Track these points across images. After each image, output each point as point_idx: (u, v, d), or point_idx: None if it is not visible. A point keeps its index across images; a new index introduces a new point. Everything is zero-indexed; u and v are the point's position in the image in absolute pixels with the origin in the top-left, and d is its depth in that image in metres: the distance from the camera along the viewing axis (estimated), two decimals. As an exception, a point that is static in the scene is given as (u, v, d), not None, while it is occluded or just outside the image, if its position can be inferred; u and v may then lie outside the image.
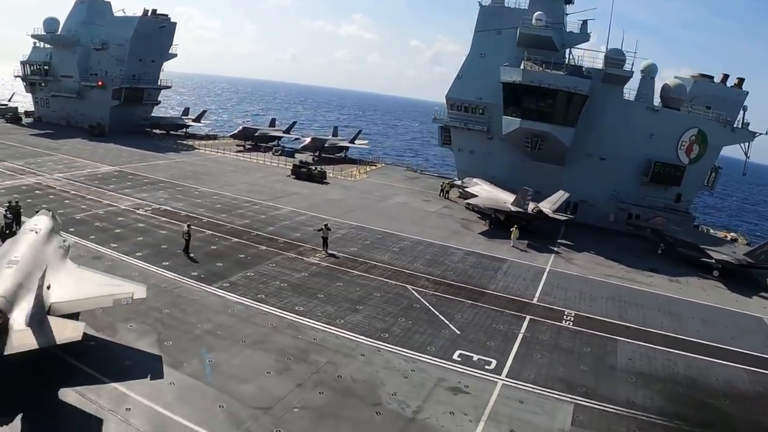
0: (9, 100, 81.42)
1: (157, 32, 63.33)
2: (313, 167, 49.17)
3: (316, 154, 59.77)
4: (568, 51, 41.22)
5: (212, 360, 15.96)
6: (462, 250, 30.50)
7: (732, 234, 42.76)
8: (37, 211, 19.57)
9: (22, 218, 24.08)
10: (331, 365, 16.44)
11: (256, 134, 64.01)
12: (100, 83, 62.55)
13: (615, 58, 38.06)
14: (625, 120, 38.30)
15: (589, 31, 40.40)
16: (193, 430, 12.80)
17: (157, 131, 68.70)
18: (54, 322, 13.55)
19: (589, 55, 41.66)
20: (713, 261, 31.04)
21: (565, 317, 22.81)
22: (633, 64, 38.43)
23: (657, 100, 40.25)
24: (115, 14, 65.90)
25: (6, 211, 25.27)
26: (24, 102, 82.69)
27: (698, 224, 43.62)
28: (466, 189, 41.07)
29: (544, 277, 27.75)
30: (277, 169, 52.46)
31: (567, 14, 41.75)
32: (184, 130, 69.20)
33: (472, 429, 14.25)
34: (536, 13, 38.97)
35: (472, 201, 37.19)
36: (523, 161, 41.21)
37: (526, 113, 37.71)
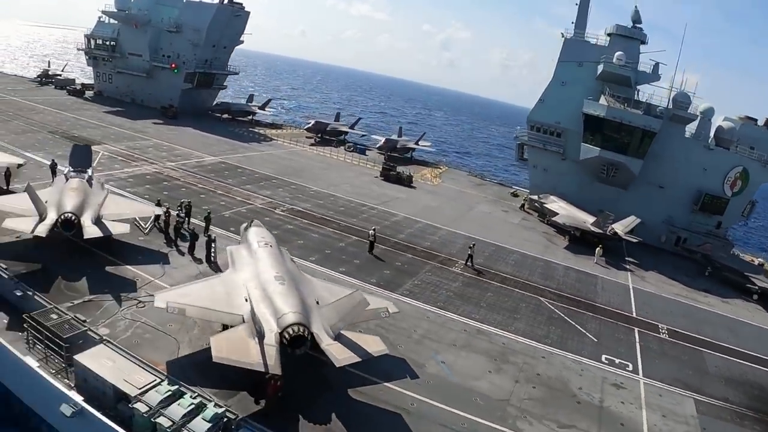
0: (62, 70, 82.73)
1: (232, 19, 65.98)
2: (402, 171, 53.84)
3: (387, 153, 63.60)
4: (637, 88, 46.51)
5: (444, 361, 21.07)
6: (561, 264, 36.31)
7: (759, 259, 49.51)
8: (247, 225, 23.52)
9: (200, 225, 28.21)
10: (528, 365, 22.02)
11: (328, 128, 67.82)
12: (173, 66, 65.18)
13: (681, 101, 43.86)
14: (684, 155, 44.28)
15: (660, 73, 45.61)
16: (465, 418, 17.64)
17: (225, 116, 71.84)
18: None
19: (650, 88, 47.00)
20: (756, 287, 37.53)
21: (660, 330, 28.82)
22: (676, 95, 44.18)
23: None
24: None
25: (179, 209, 28.90)
26: (74, 72, 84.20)
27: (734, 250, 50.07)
28: (545, 204, 46.75)
29: (632, 293, 33.75)
30: (361, 168, 56.82)
31: (640, 53, 46.79)
32: (251, 117, 72.28)
33: (640, 415, 20.11)
34: (618, 53, 44.13)
35: (556, 219, 42.65)
36: (590, 182, 47.06)
37: (605, 144, 43.42)
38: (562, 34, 48.23)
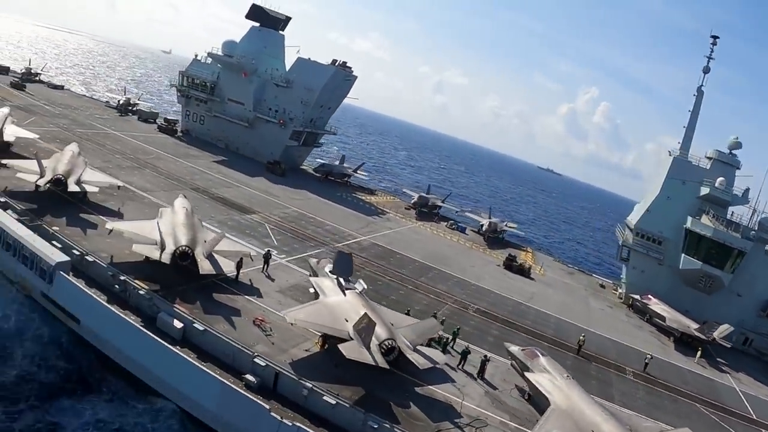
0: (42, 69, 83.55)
1: (342, 82, 66.64)
2: (523, 261, 54.69)
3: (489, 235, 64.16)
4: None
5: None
6: (685, 368, 38.95)
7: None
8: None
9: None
10: None
11: (429, 203, 68.20)
12: (281, 121, 64.83)
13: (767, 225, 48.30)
14: (763, 270, 48.03)
15: (749, 198, 50.05)
16: None
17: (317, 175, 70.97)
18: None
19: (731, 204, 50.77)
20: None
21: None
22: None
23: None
24: (296, 55, 68.87)
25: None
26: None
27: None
28: (647, 305, 49.05)
29: (743, 399, 35.95)
30: (479, 253, 57.37)
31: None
32: (347, 179, 72.19)
33: None
34: (720, 179, 48.82)
35: (665, 324, 45.87)
36: (680, 286, 50.05)
37: (706, 258, 46.93)
38: (669, 152, 52.64)
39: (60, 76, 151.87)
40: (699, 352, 41.31)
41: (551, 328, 38.74)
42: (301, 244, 40.35)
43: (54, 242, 27.06)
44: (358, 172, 73.69)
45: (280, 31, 70.63)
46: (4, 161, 36.62)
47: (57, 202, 33.62)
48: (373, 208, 62.43)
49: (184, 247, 27.12)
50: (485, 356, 27.48)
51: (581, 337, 35.77)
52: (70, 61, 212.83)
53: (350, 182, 72.17)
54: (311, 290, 28.00)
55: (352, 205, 60.42)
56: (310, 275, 30.24)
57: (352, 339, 23.02)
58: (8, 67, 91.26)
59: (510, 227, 70.10)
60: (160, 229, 28.60)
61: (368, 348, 22.39)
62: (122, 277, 25.78)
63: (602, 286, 59.90)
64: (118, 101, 78.49)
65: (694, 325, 44.00)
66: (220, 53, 67.05)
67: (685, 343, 43.16)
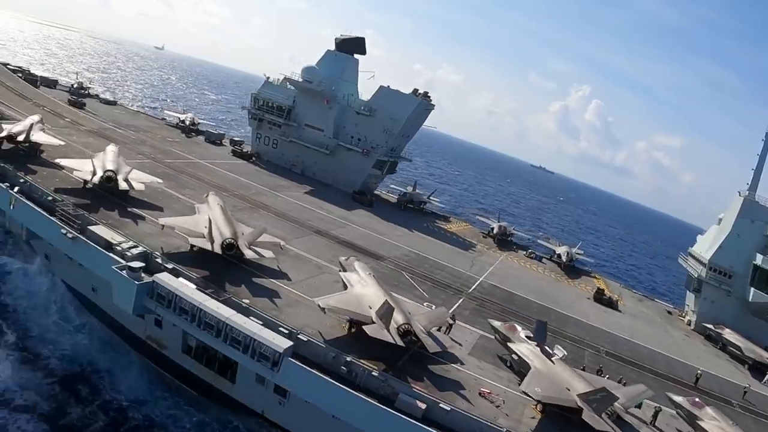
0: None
1: (422, 112, 66.11)
2: (610, 294, 55.36)
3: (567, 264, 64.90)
4: None
5: None
6: None
7: None
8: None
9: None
10: None
11: (507, 233, 68.25)
12: (365, 151, 64.13)
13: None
14: None
15: None
16: None
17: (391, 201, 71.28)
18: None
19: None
20: None
21: None
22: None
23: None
24: (366, 79, 68.48)
25: None
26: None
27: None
28: (721, 335, 51.24)
29: None
30: (569, 287, 57.59)
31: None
32: (422, 205, 71.68)
33: None
34: None
35: (740, 353, 48.17)
36: (748, 316, 52.42)
37: None
38: (739, 192, 55.20)
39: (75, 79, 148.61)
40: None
41: (665, 365, 40.77)
42: (445, 294, 40.35)
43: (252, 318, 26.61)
44: (431, 198, 73.47)
45: (356, 55, 69.71)
46: (58, 160, 39.61)
47: (103, 200, 36.30)
48: (461, 240, 62.34)
49: (229, 240, 31.17)
50: (657, 407, 29.29)
51: (698, 372, 38.52)
52: (85, 63, 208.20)
53: (425, 209, 71.84)
54: (340, 281, 32.45)
55: (445, 238, 60.38)
56: (339, 270, 34.27)
57: (374, 323, 26.91)
58: (56, 81, 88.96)
59: (579, 254, 70.84)
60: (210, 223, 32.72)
61: (387, 329, 26.41)
62: (348, 358, 25.30)
63: (669, 312, 61.75)
64: (180, 120, 76.94)
65: (766, 354, 47.56)
66: (298, 78, 66.08)
67: (756, 369, 45.90)
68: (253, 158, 68.02)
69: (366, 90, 69.66)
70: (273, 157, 69.52)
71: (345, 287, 31.04)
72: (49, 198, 34.64)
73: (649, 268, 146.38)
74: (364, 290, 29.86)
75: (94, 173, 37.52)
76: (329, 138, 65.70)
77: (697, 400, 30.17)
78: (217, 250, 30.92)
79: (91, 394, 30.68)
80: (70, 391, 30.37)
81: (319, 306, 27.01)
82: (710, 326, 54.02)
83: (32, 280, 39.19)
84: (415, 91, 65.14)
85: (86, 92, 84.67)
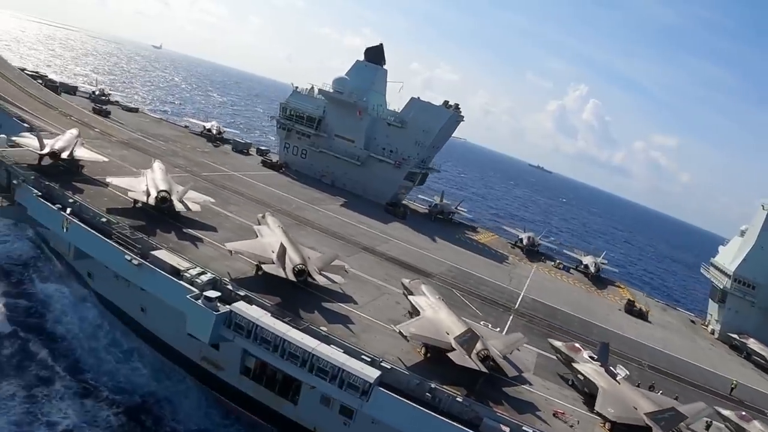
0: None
1: (453, 124, 66.17)
2: (641, 306, 56.12)
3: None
4: None
5: None
6: None
7: None
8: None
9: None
10: None
11: (535, 243, 68.51)
12: (397, 162, 64.13)
13: None
14: None
15: None
16: None
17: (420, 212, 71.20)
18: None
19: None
20: None
21: None
22: None
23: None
24: (398, 92, 68.87)
25: None
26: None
27: None
28: (746, 344, 52.52)
29: None
30: (601, 299, 57.97)
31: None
32: (450, 216, 71.76)
33: None
34: None
35: (765, 362, 49.52)
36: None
37: None
38: (763, 206, 56.46)
39: (95, 85, 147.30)
40: None
41: (700, 376, 41.84)
42: (495, 312, 40.75)
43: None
44: (459, 208, 73.61)
45: (383, 66, 69.62)
46: (109, 180, 38.46)
47: (157, 220, 35.81)
48: (493, 252, 62.58)
49: (300, 266, 31.38)
50: (708, 421, 30.65)
51: (733, 382, 39.95)
52: (90, 65, 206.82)
53: (453, 219, 71.93)
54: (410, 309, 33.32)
55: (478, 250, 60.60)
56: (404, 293, 34.92)
57: (454, 349, 27.32)
58: (76, 87, 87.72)
59: (603, 264, 71.19)
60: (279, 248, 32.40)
61: (470, 355, 26.89)
62: (432, 385, 25.42)
63: (693, 322, 62.77)
64: (205, 129, 76.60)
65: None
66: (328, 89, 65.89)
67: None
68: (283, 168, 67.88)
69: (392, 100, 69.98)
70: (302, 167, 69.40)
71: (416, 311, 31.37)
72: (103, 220, 33.81)
73: (660, 273, 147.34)
74: (437, 315, 30.42)
75: (147, 194, 36.90)
76: (360, 149, 65.67)
77: (744, 413, 31.64)
78: (289, 276, 30.72)
79: (154, 425, 30.96)
80: (135, 422, 30.60)
81: (400, 333, 27.47)
82: (735, 336, 55.65)
83: (76, 304, 38.87)
84: (446, 103, 65.17)
85: (107, 99, 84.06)
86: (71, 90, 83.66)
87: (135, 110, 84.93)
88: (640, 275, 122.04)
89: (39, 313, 37.79)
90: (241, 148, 73.04)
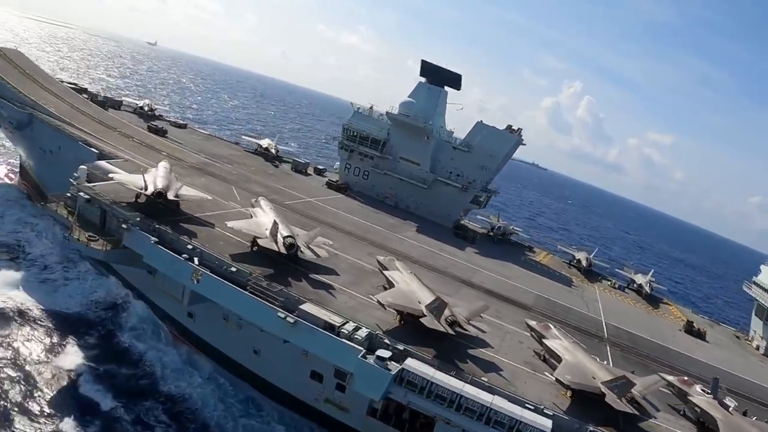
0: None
1: (514, 148, 67.27)
2: (700, 326, 57.55)
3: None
4: None
5: None
6: None
7: None
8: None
9: None
10: None
11: (592, 264, 69.49)
12: (464, 186, 65.19)
13: None
14: None
15: None
16: None
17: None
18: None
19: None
20: None
21: None
22: None
23: None
24: (455, 110, 69.39)
25: None
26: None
27: None
28: None
29: None
30: (661, 319, 58.84)
31: None
32: (510, 236, 72.66)
33: None
34: None
35: None
36: None
37: None
38: None
39: (114, 90, 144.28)
40: None
41: None
42: (592, 342, 41.54)
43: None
44: (515, 228, 74.91)
45: (445, 88, 70.28)
46: (230, 224, 36.55)
47: (282, 266, 36.07)
48: (557, 274, 63.84)
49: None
50: None
51: None
52: (100, 66, 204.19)
53: (511, 240, 73.16)
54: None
55: (546, 273, 61.76)
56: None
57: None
58: (121, 101, 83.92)
59: (652, 282, 71.37)
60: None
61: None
62: (590, 428, 26.80)
63: (737, 337, 64.01)
64: (262, 147, 76.50)
65: None
66: (395, 111, 66.58)
67: None
68: (347, 191, 68.51)
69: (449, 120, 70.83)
70: (363, 187, 70.11)
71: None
72: (233, 269, 32.89)
73: (687, 282, 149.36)
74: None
75: (275, 240, 35.69)
76: (426, 172, 66.54)
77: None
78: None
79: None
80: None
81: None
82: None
83: (185, 364, 38.74)
84: (509, 127, 66.22)
85: (155, 114, 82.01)
86: (116, 104, 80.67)
87: (184, 126, 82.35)
88: (670, 287, 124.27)
89: (144, 372, 37.16)
90: (301, 168, 73.45)
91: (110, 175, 41.76)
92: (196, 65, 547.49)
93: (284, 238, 35.68)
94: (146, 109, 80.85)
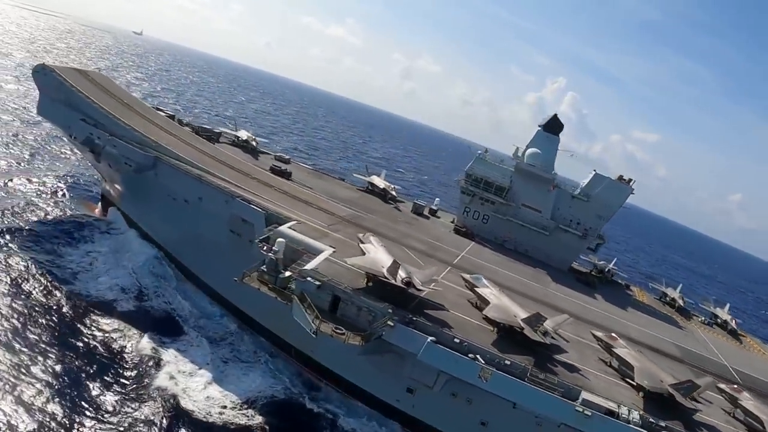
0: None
1: (626, 198, 72.93)
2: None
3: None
4: None
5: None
6: None
7: None
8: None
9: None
10: None
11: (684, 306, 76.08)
12: (584, 234, 70.90)
13: None
14: None
15: None
16: None
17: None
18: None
19: None
20: None
21: None
22: None
23: None
24: (567, 156, 74.82)
25: None
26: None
27: None
28: None
29: None
30: (755, 356, 66.09)
31: None
32: (611, 275, 77.52)
33: None
34: None
35: None
36: None
37: None
38: None
39: (151, 96, 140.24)
40: None
41: None
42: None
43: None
44: (613, 266, 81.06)
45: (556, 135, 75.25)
46: (489, 314, 39.29)
47: (521, 347, 37.80)
48: (661, 314, 68.86)
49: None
50: None
51: None
52: (125, 67, 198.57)
53: (614, 279, 79.17)
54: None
55: (654, 314, 66.39)
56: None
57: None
58: (220, 134, 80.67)
59: (729, 315, 76.48)
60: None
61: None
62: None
63: None
64: (376, 186, 78.13)
65: None
66: (520, 159, 72.85)
67: None
68: (476, 237, 72.95)
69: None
70: (481, 230, 74.97)
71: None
72: (507, 362, 33.55)
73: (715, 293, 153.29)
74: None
75: (521, 327, 37.10)
76: (548, 219, 72.02)
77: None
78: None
79: None
80: None
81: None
82: None
83: None
84: (621, 177, 72.08)
85: (257, 148, 79.85)
86: (215, 136, 77.95)
87: (288, 161, 79.20)
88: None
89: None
90: (421, 211, 77.26)
91: (323, 254, 40.64)
92: (190, 57, 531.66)
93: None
94: (249, 142, 79.08)
